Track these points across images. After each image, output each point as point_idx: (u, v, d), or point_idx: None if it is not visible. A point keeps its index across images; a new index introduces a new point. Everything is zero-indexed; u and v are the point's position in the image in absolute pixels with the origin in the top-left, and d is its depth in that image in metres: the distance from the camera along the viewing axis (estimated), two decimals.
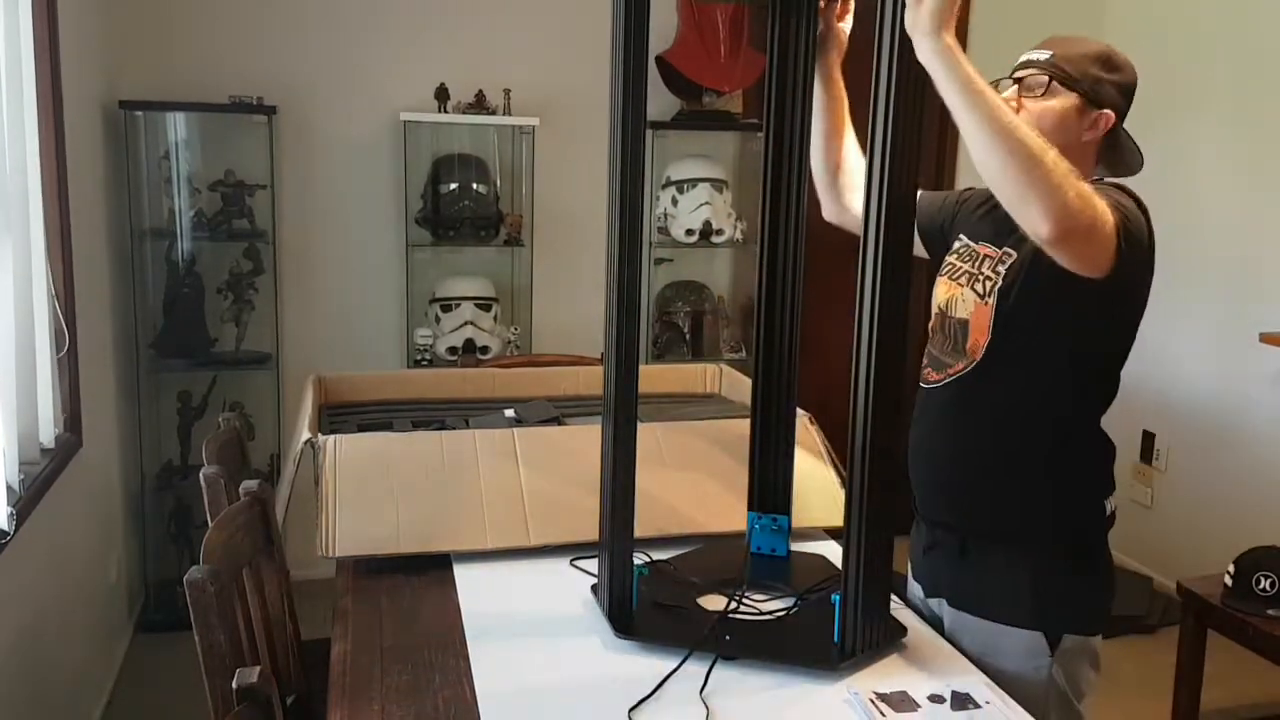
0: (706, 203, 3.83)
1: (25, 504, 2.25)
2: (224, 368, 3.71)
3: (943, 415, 1.73)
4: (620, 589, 1.66)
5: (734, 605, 1.69)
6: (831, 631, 1.58)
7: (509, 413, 2.43)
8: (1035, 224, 1.42)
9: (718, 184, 3.90)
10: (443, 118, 3.72)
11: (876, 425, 1.51)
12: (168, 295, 3.62)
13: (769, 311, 1.87)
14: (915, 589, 1.85)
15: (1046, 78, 1.67)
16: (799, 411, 2.28)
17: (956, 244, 1.83)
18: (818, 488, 2.12)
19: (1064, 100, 1.66)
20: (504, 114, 3.77)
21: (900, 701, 1.46)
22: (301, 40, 3.74)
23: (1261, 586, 2.74)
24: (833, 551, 1.99)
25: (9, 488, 2.18)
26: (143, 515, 3.66)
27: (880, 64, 1.47)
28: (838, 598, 1.58)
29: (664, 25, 3.82)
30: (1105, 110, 1.66)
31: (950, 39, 1.44)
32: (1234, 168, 3.81)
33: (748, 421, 1.95)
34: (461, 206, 3.74)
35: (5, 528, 2.09)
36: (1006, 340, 1.64)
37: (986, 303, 1.66)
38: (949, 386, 1.71)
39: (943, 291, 1.79)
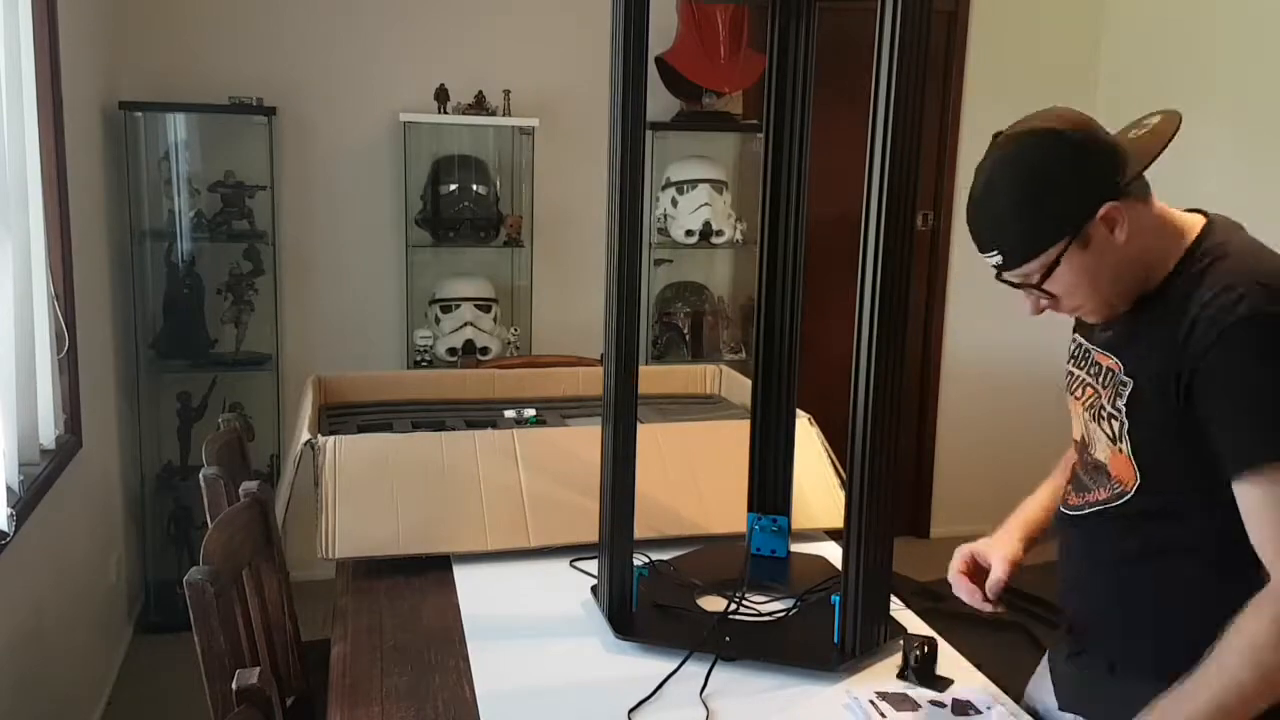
0: (706, 204, 3.83)
1: (25, 505, 2.25)
2: (224, 368, 3.71)
3: (1088, 543, 1.46)
4: (620, 590, 1.66)
5: (733, 606, 1.69)
6: (831, 632, 1.58)
7: (509, 413, 2.43)
8: None
9: (717, 185, 3.90)
10: (442, 118, 3.72)
11: (876, 425, 1.51)
12: (167, 296, 3.62)
13: (769, 313, 1.88)
14: (1045, 697, 1.57)
15: (1030, 272, 1.35)
16: (799, 412, 2.29)
17: (1073, 346, 1.53)
18: (818, 489, 2.12)
19: (1066, 257, 1.33)
20: (504, 115, 3.77)
21: (901, 701, 1.46)
22: (301, 41, 3.74)
23: None
24: (832, 552, 1.99)
25: (9, 489, 2.18)
26: (143, 516, 3.66)
27: (880, 68, 1.46)
28: (837, 599, 1.58)
29: (664, 26, 3.81)
30: (1099, 213, 1.31)
31: None
32: (1234, 167, 3.81)
33: (748, 422, 1.95)
34: (461, 207, 3.74)
35: (5, 529, 2.09)
36: (1156, 484, 1.36)
37: (1121, 450, 1.38)
38: (1089, 517, 1.45)
39: (1075, 414, 1.51)
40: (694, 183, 3.86)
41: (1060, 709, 1.53)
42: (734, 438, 2.21)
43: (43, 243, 2.55)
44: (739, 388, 2.70)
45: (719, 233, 3.86)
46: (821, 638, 1.59)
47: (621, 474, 1.64)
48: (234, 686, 1.25)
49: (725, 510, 2.01)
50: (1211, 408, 1.27)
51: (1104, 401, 1.40)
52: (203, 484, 2.02)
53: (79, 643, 2.86)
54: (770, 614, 1.69)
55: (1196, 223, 1.42)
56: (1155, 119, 1.41)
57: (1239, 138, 3.79)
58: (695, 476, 2.09)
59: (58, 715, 2.64)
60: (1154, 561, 1.38)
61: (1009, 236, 1.34)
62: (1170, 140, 1.36)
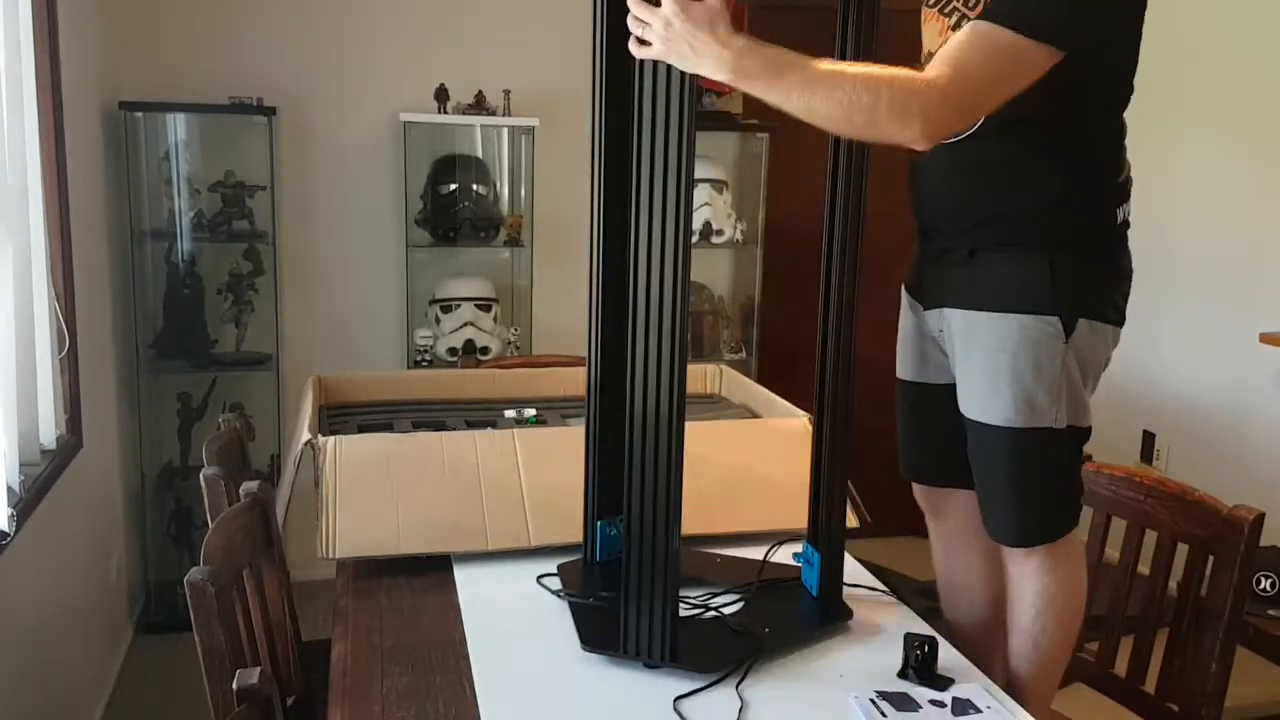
0: (706, 203, 3.83)
1: (26, 505, 2.25)
2: (224, 369, 3.71)
3: (948, 150, 1.65)
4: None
5: (706, 610, 1.69)
6: (797, 603, 1.66)
7: (509, 413, 2.43)
8: (910, 143, 1.43)
9: (718, 184, 3.90)
10: (442, 118, 3.72)
11: (838, 381, 1.65)
12: (168, 296, 3.62)
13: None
14: (916, 311, 1.84)
15: None
16: (800, 413, 2.29)
17: None
18: None
19: None
20: (504, 114, 3.77)
21: (901, 701, 1.46)
22: (301, 41, 3.74)
23: (1262, 587, 2.74)
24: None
25: (9, 489, 2.18)
26: (143, 516, 3.66)
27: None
28: (816, 556, 1.66)
29: None
30: None
31: (736, 41, 1.44)
32: (1234, 167, 3.81)
33: (748, 422, 1.95)
34: (461, 207, 3.74)
35: (6, 529, 2.09)
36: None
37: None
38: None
39: (931, 31, 1.71)
40: (695, 182, 3.86)
41: (927, 308, 1.80)
42: (735, 437, 2.21)
43: (43, 243, 2.55)
44: (739, 387, 2.70)
45: (719, 232, 3.86)
46: (792, 610, 1.67)
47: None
48: (234, 686, 1.25)
49: (726, 510, 2.01)
50: None
51: (967, 10, 1.60)
52: (203, 484, 2.02)
53: (79, 643, 2.86)
54: (729, 604, 1.70)
55: None
56: None
57: (1239, 137, 3.79)
58: (696, 476, 2.08)
59: (58, 715, 2.64)
60: (1005, 151, 1.62)
61: None
62: None
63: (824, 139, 1.69)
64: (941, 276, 1.77)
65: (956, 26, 1.63)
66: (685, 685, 1.48)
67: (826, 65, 1.44)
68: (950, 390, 1.77)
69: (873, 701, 1.45)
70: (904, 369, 1.93)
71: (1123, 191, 1.70)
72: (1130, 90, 1.66)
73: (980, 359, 1.67)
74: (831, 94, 1.40)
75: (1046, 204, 1.64)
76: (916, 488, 1.96)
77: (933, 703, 1.46)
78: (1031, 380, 1.63)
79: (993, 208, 1.67)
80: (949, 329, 1.75)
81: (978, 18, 1.50)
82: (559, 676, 1.52)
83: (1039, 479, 1.69)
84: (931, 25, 1.72)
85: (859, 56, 1.62)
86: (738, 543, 1.97)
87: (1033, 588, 1.72)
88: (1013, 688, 1.69)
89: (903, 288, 1.92)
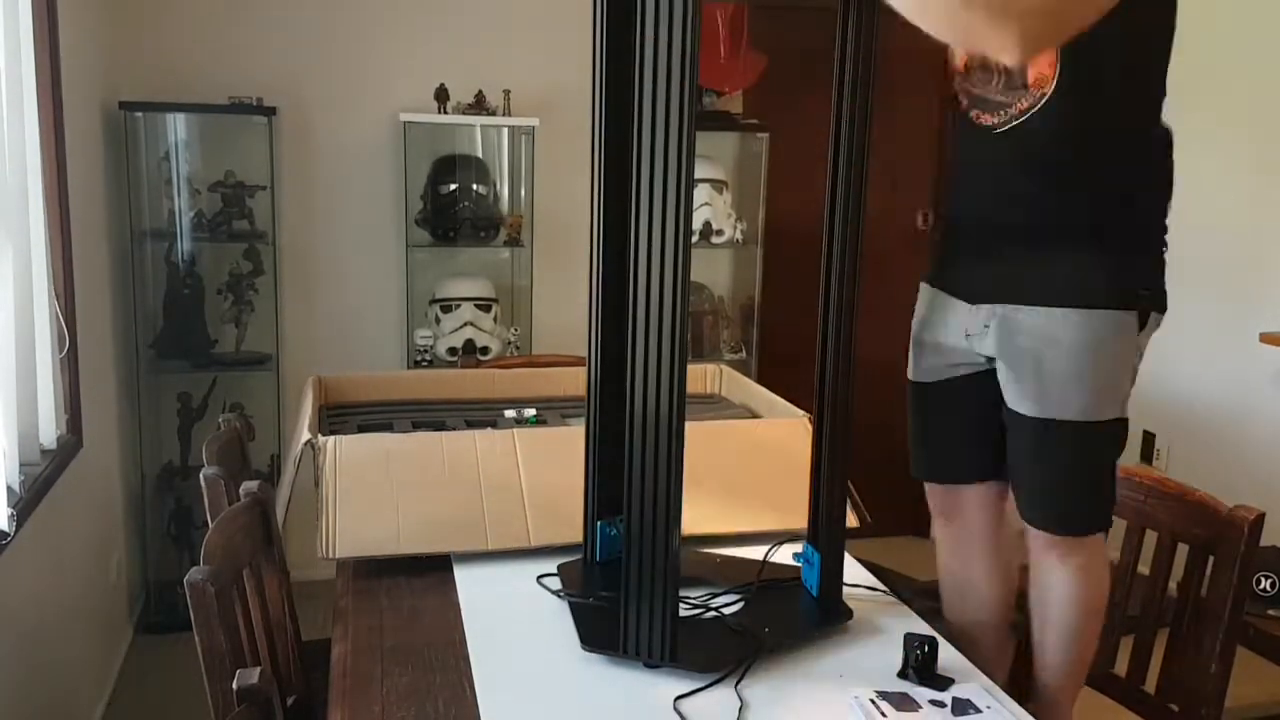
0: (706, 203, 3.83)
1: (26, 505, 2.25)
2: (224, 369, 3.71)
3: (1025, 150, 1.69)
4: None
5: (706, 610, 1.69)
6: (796, 603, 1.67)
7: (509, 413, 2.43)
8: (1004, 53, 1.41)
9: (718, 184, 3.90)
10: (442, 118, 3.72)
11: (838, 381, 1.66)
12: (168, 296, 3.62)
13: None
14: (958, 318, 1.81)
15: None
16: (799, 412, 2.29)
17: None
18: None
19: None
20: (504, 114, 3.77)
21: (901, 701, 1.46)
22: (301, 41, 3.74)
23: (1262, 587, 2.74)
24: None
25: (9, 489, 2.18)
26: (143, 516, 3.66)
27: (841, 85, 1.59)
28: (816, 556, 1.66)
29: None
30: None
31: None
32: (1234, 167, 3.81)
33: (748, 422, 1.95)
34: (461, 207, 3.74)
35: (6, 529, 2.09)
36: (1077, 66, 1.61)
37: None
38: (1020, 127, 1.68)
39: None
40: (695, 182, 3.86)
41: (976, 304, 1.77)
42: (735, 437, 2.21)
43: (43, 243, 2.55)
44: (739, 387, 2.70)
45: (719, 232, 3.86)
46: (796, 607, 1.68)
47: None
48: (234, 686, 1.25)
49: (726, 510, 2.01)
50: None
51: None
52: (203, 484, 2.02)
53: (79, 642, 2.87)
54: (730, 604, 1.70)
55: None
56: None
57: (1240, 137, 3.79)
58: (696, 476, 2.08)
59: (58, 715, 2.64)
60: (1068, 145, 1.65)
61: None
62: None
63: (824, 138, 1.70)
64: (1002, 274, 1.75)
65: None
66: (685, 685, 1.48)
67: None
68: (967, 384, 1.77)
69: (872, 701, 1.45)
70: (918, 371, 1.92)
71: (1172, 190, 1.76)
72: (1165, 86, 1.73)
73: (1060, 356, 1.67)
74: None
75: (1119, 202, 1.69)
76: (931, 489, 1.96)
77: (933, 703, 1.46)
78: (1113, 373, 1.67)
79: (1068, 204, 1.69)
80: (1011, 327, 1.72)
81: None
82: (559, 676, 1.52)
83: (1106, 466, 1.74)
84: None
85: (859, 56, 1.63)
86: (738, 543, 1.97)
87: (1072, 590, 1.75)
88: (1043, 685, 1.71)
89: (922, 285, 1.90)
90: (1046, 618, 1.79)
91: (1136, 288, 1.67)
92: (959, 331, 1.81)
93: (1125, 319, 1.67)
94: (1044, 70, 1.62)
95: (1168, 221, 1.76)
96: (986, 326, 1.76)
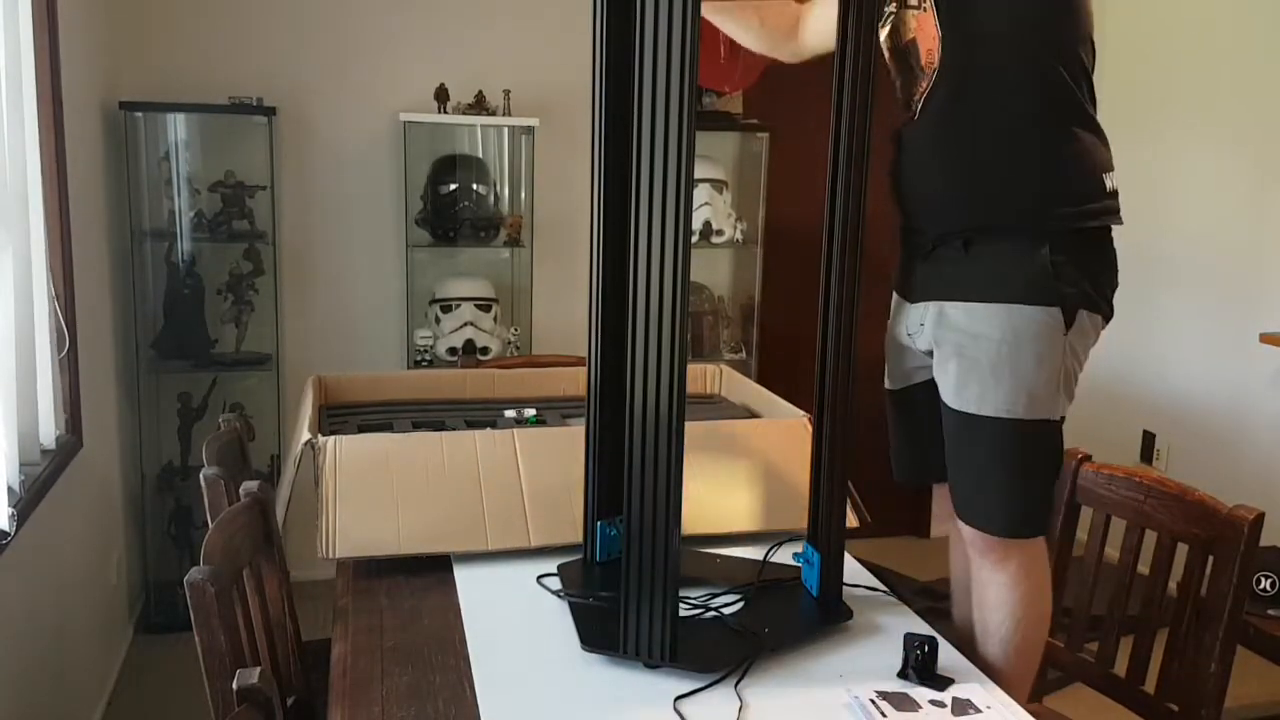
0: (706, 203, 3.83)
1: (26, 505, 2.25)
2: (224, 368, 3.71)
3: (928, 137, 1.72)
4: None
5: (705, 609, 1.69)
6: (797, 603, 1.67)
7: (509, 413, 2.43)
8: None
9: (718, 184, 3.90)
10: (442, 118, 3.72)
11: (838, 381, 1.67)
12: (168, 296, 3.62)
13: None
14: (905, 318, 1.84)
15: None
16: (798, 412, 2.29)
17: None
18: None
19: None
20: (504, 114, 3.77)
21: (901, 701, 1.46)
22: (301, 41, 3.74)
23: (1262, 587, 2.74)
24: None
25: (9, 489, 2.18)
26: (143, 516, 3.66)
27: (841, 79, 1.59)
28: (816, 556, 1.66)
29: None
30: None
31: None
32: (1234, 167, 3.81)
33: (748, 422, 1.95)
34: (461, 207, 3.74)
35: (6, 529, 2.09)
36: (957, 43, 1.64)
37: (924, 9, 1.65)
38: (923, 112, 1.71)
39: (883, 30, 1.77)
40: (695, 182, 3.86)
41: (913, 303, 1.80)
42: (735, 437, 2.21)
43: (43, 243, 2.55)
44: (739, 387, 2.70)
45: (719, 232, 3.86)
46: (796, 607, 1.68)
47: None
48: (234, 686, 1.25)
49: (726, 510, 2.01)
50: None
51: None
52: (203, 484, 2.02)
53: (79, 642, 2.87)
54: (729, 604, 1.70)
55: None
56: None
57: (1239, 137, 3.79)
58: (696, 476, 2.09)
59: (58, 715, 2.65)
60: (986, 131, 1.64)
61: None
62: None
63: (824, 139, 1.70)
64: (934, 271, 1.77)
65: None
66: (685, 685, 1.48)
67: None
68: (923, 389, 1.78)
69: (872, 701, 1.45)
70: (889, 377, 1.94)
71: (1110, 184, 1.70)
72: (1094, 60, 1.68)
73: (980, 350, 1.67)
74: None
75: (1042, 191, 1.65)
76: (936, 490, 1.95)
77: (932, 703, 1.46)
78: (1034, 371, 1.64)
79: (987, 195, 1.68)
80: (940, 322, 1.74)
81: None
82: (559, 676, 1.53)
83: (1037, 469, 1.70)
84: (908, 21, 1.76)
85: (858, 56, 1.63)
86: (737, 542, 1.97)
87: (1008, 595, 1.73)
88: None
89: (893, 291, 1.91)
90: (986, 624, 1.76)
91: (1060, 285, 1.63)
92: (904, 330, 1.84)
93: (1046, 316, 1.64)
94: (931, 45, 1.65)
95: (1115, 212, 1.70)
96: (922, 324, 1.78)
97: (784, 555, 1.90)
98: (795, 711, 1.44)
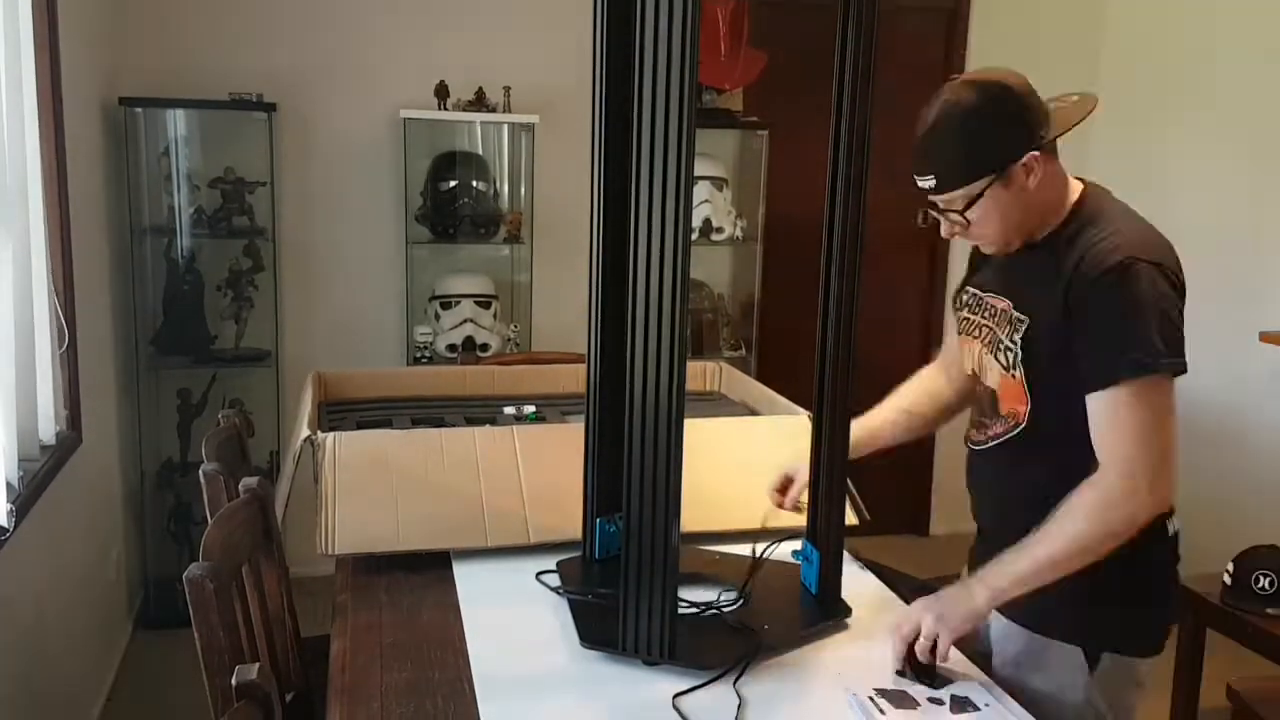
0: (706, 200, 3.83)
1: (25, 501, 2.25)
2: (224, 365, 3.71)
3: (996, 472, 1.70)
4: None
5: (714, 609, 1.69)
6: (796, 600, 1.69)
7: (509, 410, 2.43)
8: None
9: (718, 182, 3.89)
10: (443, 115, 3.71)
11: (838, 378, 1.67)
12: (167, 292, 3.61)
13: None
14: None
15: (956, 198, 1.57)
16: (799, 410, 2.29)
17: (965, 296, 1.78)
18: None
19: (990, 191, 1.54)
20: (504, 111, 3.77)
21: (900, 699, 1.46)
22: (301, 37, 3.74)
23: (1260, 585, 2.74)
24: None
25: (9, 484, 2.18)
26: (142, 512, 3.66)
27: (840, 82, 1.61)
28: (815, 554, 1.68)
29: None
30: (1023, 159, 1.52)
31: (989, 595, 1.52)
32: (1234, 168, 3.81)
33: (748, 419, 1.95)
34: (461, 204, 3.73)
35: (5, 524, 2.09)
36: (1044, 409, 1.60)
37: (1014, 376, 1.61)
38: (992, 450, 1.69)
39: (966, 352, 1.75)
40: (695, 179, 3.85)
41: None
42: (734, 435, 2.21)
43: (43, 239, 2.55)
44: (739, 385, 2.70)
45: (719, 229, 3.86)
46: (795, 604, 1.69)
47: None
48: (233, 682, 1.25)
49: (725, 508, 2.01)
50: (1083, 337, 1.52)
51: (1001, 336, 1.63)
52: (202, 480, 2.02)
53: (78, 638, 2.87)
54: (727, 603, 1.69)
55: (1078, 186, 1.64)
56: (1074, 97, 1.67)
57: (1239, 137, 3.79)
58: (695, 473, 2.08)
59: (57, 711, 2.65)
60: (1055, 479, 1.54)
61: (948, 165, 1.56)
62: (1086, 117, 1.61)
63: (823, 136, 1.70)
64: None
65: (990, 347, 1.67)
66: (684, 682, 1.48)
67: (1050, 548, 1.49)
68: None
69: (871, 699, 1.45)
70: None
71: (1171, 528, 1.73)
72: None
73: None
74: (1079, 559, 1.49)
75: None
76: None
77: (931, 700, 1.46)
78: None
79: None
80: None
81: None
82: (557, 673, 1.53)
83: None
84: (964, 349, 1.77)
85: (859, 56, 1.64)
86: (736, 540, 1.97)
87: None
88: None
89: None
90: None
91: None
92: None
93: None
94: (1017, 407, 1.63)
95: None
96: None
97: (783, 553, 1.90)
98: (794, 709, 1.44)
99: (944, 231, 1.64)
